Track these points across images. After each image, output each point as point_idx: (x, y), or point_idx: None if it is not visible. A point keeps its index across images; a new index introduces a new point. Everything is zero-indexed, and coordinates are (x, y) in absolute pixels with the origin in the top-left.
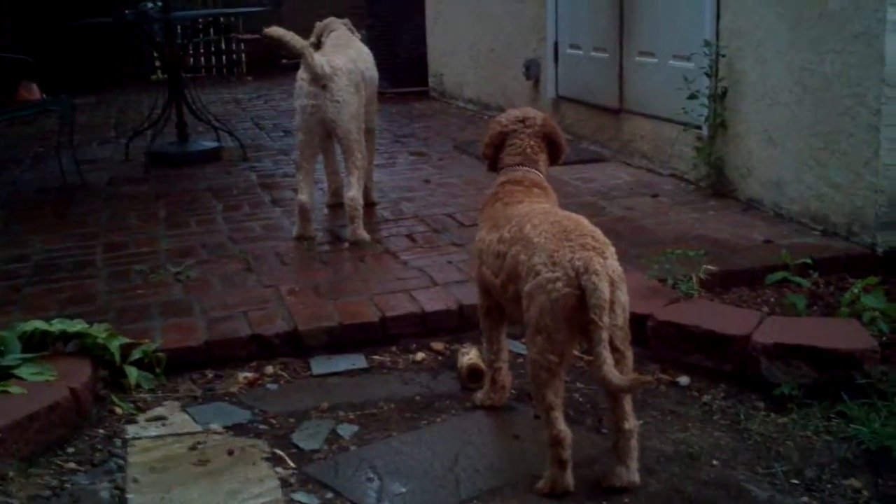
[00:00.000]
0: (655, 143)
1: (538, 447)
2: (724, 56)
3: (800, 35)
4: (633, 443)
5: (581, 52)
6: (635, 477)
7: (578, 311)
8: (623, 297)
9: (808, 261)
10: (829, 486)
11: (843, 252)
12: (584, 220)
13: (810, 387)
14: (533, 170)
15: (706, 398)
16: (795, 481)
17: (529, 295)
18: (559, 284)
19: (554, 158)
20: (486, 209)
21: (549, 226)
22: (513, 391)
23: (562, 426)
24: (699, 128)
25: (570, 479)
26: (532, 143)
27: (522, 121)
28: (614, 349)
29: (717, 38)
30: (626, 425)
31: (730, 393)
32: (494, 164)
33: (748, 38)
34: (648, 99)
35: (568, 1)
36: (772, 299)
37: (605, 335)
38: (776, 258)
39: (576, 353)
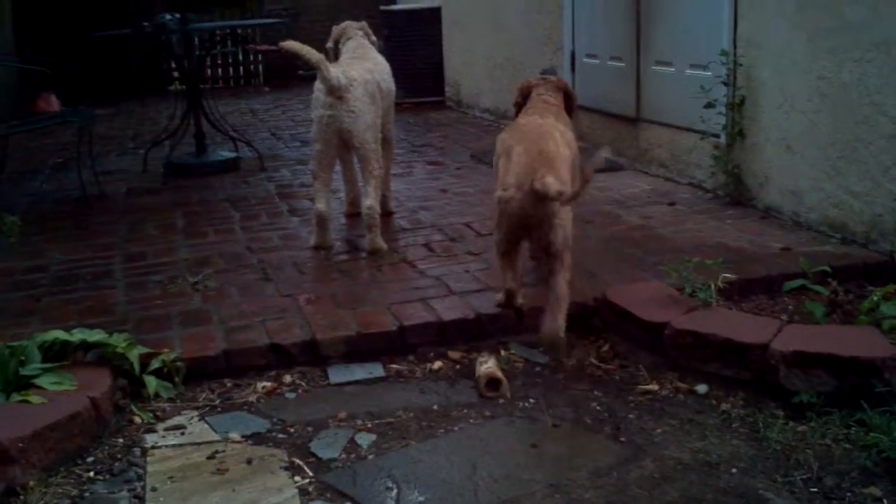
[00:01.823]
0: (673, 151)
1: (556, 457)
2: (741, 65)
3: (818, 44)
4: (561, 303)
5: (598, 62)
6: (560, 325)
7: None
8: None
9: (827, 269)
10: (848, 494)
11: (861, 260)
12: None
13: (829, 395)
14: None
15: (725, 406)
16: (815, 490)
17: (497, 196)
18: (515, 198)
19: (569, 108)
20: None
21: (529, 142)
22: (531, 399)
23: (511, 283)
24: (717, 136)
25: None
26: (552, 92)
27: (544, 79)
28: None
29: (735, 48)
30: (557, 288)
31: (748, 401)
32: (518, 113)
33: (766, 47)
34: (666, 108)
35: (584, 11)
36: (790, 307)
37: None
38: (794, 266)
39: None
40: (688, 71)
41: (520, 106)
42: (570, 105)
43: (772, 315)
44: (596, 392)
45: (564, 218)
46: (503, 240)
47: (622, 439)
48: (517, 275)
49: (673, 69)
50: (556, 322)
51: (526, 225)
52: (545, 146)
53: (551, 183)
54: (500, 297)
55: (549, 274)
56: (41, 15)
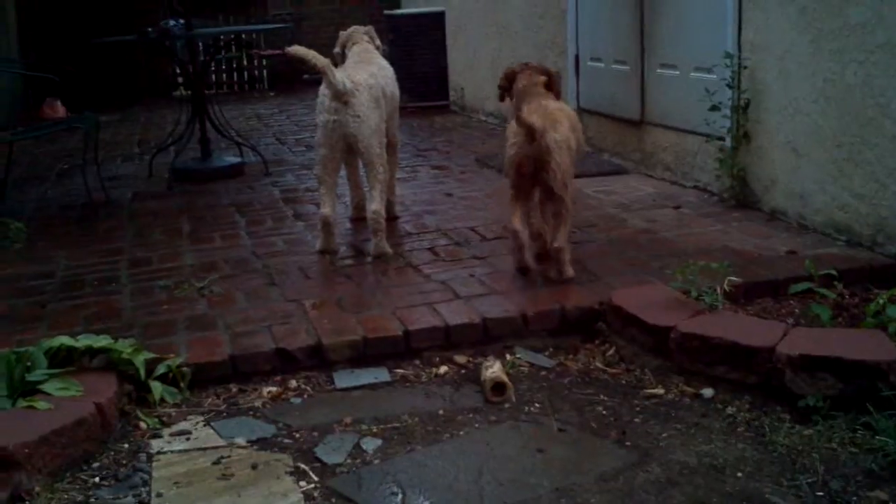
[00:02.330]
0: (678, 154)
1: (562, 461)
2: (746, 68)
3: (822, 46)
4: (560, 223)
5: (602, 65)
6: (562, 241)
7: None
8: (559, 158)
9: (833, 271)
10: (854, 498)
11: (867, 262)
12: (555, 109)
13: (835, 398)
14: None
15: (730, 410)
16: (821, 493)
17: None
18: (515, 144)
19: (550, 87)
20: (514, 109)
21: (533, 108)
22: (537, 404)
23: (518, 226)
24: (722, 139)
25: (529, 260)
26: (534, 74)
27: (526, 64)
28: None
29: (739, 50)
30: (556, 215)
31: (754, 405)
32: (503, 96)
33: (770, 50)
34: (670, 111)
35: (588, 14)
36: (796, 310)
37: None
38: (800, 269)
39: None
40: (692, 74)
41: (504, 89)
42: (550, 84)
43: (778, 318)
44: (601, 396)
45: (559, 161)
46: (511, 188)
47: (628, 443)
48: (527, 221)
49: (677, 72)
50: (558, 241)
51: (526, 169)
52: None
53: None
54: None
55: (552, 212)
56: (46, 21)
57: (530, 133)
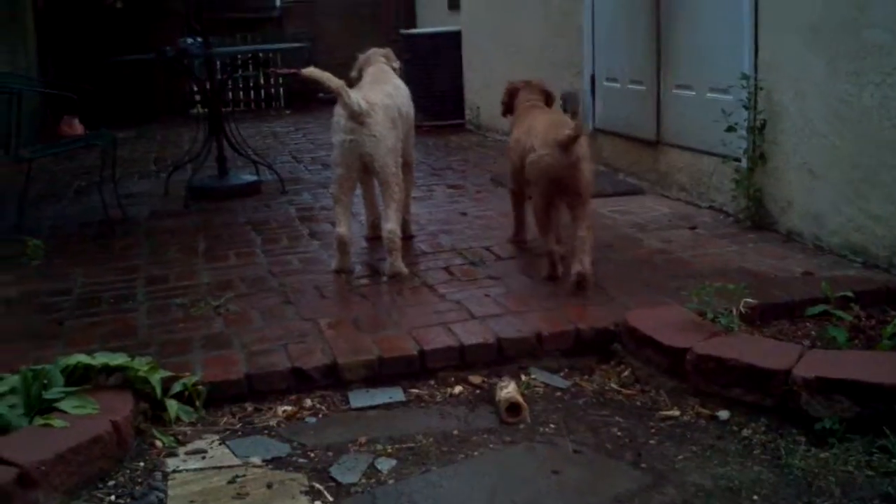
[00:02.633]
0: (693, 175)
1: (578, 483)
2: (762, 89)
3: (838, 67)
4: (586, 245)
5: (618, 85)
6: (587, 267)
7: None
8: (586, 166)
9: (849, 293)
10: None
11: (884, 284)
12: (566, 118)
13: (852, 421)
14: (538, 100)
15: (746, 432)
16: None
17: (529, 164)
18: (547, 156)
19: (548, 104)
20: (514, 123)
21: (543, 120)
22: (551, 425)
23: (553, 245)
24: (738, 160)
25: (559, 270)
26: (534, 91)
27: (528, 81)
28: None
29: (756, 71)
30: (581, 233)
31: (770, 427)
32: (507, 110)
33: (786, 71)
34: (686, 131)
35: (604, 34)
36: (812, 332)
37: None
38: (816, 291)
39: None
40: (708, 94)
41: (506, 105)
42: (548, 101)
43: (794, 340)
44: (617, 418)
45: (586, 169)
46: (541, 199)
47: (643, 465)
48: (557, 236)
49: (693, 92)
50: (583, 265)
51: (557, 177)
52: (558, 119)
53: (568, 132)
54: (544, 269)
55: (575, 221)
56: (64, 39)
57: (564, 144)
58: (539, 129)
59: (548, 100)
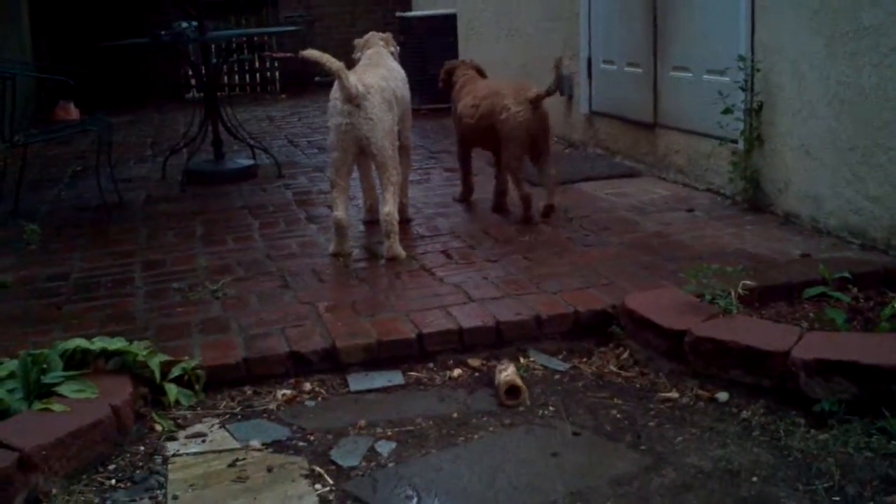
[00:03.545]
0: (690, 157)
1: (577, 465)
2: (759, 70)
3: (836, 49)
4: (553, 183)
5: (615, 68)
6: (554, 200)
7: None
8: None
9: (847, 275)
10: (870, 503)
11: (882, 266)
12: (523, 82)
13: (851, 402)
14: (474, 75)
15: (745, 414)
16: (836, 498)
17: (503, 121)
18: (522, 112)
19: (482, 76)
20: (458, 94)
21: (504, 85)
22: (551, 408)
23: (527, 190)
24: (735, 142)
25: (532, 211)
26: (469, 68)
27: (462, 61)
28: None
29: (753, 53)
30: (551, 172)
31: (769, 409)
32: (445, 86)
33: (783, 53)
34: (683, 113)
35: (601, 17)
36: (811, 314)
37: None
38: (814, 273)
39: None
40: (705, 76)
41: (445, 83)
42: (483, 76)
43: (792, 322)
44: (616, 400)
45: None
46: (517, 149)
47: (643, 447)
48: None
49: (690, 74)
50: (552, 198)
51: (530, 129)
52: (519, 83)
53: (537, 91)
54: (519, 213)
55: (541, 166)
56: (58, 24)
57: (535, 101)
58: (506, 93)
59: (480, 75)
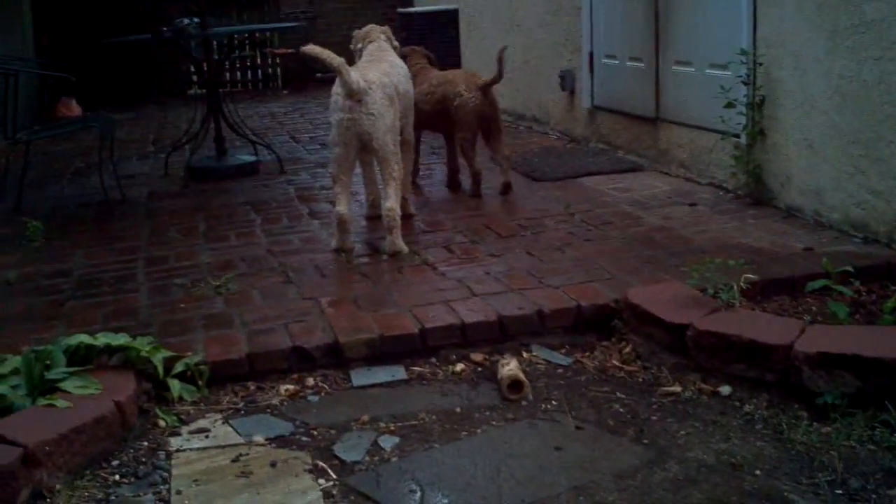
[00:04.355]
0: (693, 151)
1: (580, 459)
2: (761, 65)
3: (838, 43)
4: (508, 163)
5: (617, 62)
6: (509, 178)
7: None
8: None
9: (850, 269)
10: (873, 496)
11: (884, 260)
12: (471, 71)
13: (854, 396)
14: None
15: (748, 408)
16: (839, 492)
17: (457, 106)
18: (474, 98)
19: (432, 65)
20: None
21: (457, 74)
22: (553, 402)
23: (479, 168)
24: (737, 136)
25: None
26: (421, 57)
27: (413, 49)
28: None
29: (755, 47)
30: (505, 153)
31: (772, 402)
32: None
33: (785, 47)
34: (685, 108)
35: (603, 11)
36: (813, 308)
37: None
38: (817, 266)
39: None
40: (707, 70)
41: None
42: (431, 64)
43: (795, 316)
44: (618, 394)
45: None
46: (470, 132)
47: (645, 441)
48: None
49: (692, 69)
50: (507, 176)
51: (482, 113)
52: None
53: (486, 79)
54: (471, 188)
55: (495, 147)
56: (60, 20)
57: (484, 88)
58: (458, 81)
59: (430, 63)
